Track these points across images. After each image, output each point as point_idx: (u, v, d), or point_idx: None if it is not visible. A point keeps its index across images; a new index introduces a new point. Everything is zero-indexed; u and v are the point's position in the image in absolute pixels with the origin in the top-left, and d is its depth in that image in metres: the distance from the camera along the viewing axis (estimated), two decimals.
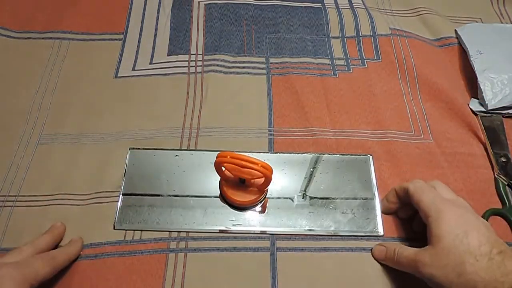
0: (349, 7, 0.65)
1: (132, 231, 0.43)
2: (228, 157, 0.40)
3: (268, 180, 0.41)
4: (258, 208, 0.45)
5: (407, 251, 0.38)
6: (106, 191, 0.45)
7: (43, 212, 0.43)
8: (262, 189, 0.44)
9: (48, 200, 0.44)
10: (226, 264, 0.41)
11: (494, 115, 0.53)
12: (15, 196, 0.44)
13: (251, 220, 0.44)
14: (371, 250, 0.42)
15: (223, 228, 0.43)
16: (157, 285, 0.39)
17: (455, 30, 0.63)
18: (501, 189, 0.47)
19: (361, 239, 0.43)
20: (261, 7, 0.65)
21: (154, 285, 0.39)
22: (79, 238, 0.41)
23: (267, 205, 0.45)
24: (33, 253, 0.37)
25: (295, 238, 0.43)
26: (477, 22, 0.65)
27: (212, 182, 0.46)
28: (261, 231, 0.43)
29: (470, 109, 0.54)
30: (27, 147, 0.48)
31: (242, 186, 0.44)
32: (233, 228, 0.43)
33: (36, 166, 0.47)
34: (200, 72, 0.56)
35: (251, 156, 0.40)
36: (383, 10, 0.66)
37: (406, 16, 0.66)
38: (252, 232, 0.43)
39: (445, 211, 0.36)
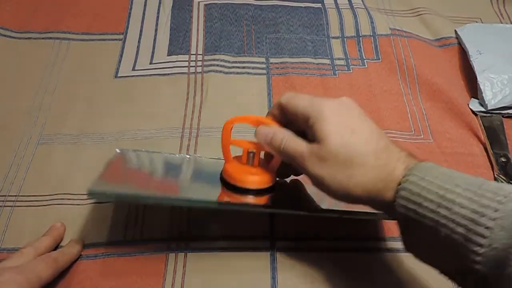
0: (349, 7, 0.65)
1: (132, 232, 0.43)
2: (239, 118, 0.37)
3: (277, 159, 0.37)
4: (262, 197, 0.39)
5: (296, 142, 0.34)
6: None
7: (43, 212, 0.43)
8: (273, 168, 0.38)
9: (48, 200, 0.44)
10: (226, 264, 0.41)
11: (494, 115, 0.53)
12: (15, 196, 0.44)
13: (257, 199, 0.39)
14: (255, 131, 0.37)
15: (225, 199, 0.39)
16: (157, 285, 0.39)
17: (455, 30, 0.63)
18: None
19: (361, 239, 0.43)
20: (261, 7, 0.65)
21: (154, 285, 0.39)
22: (80, 239, 0.41)
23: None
24: (35, 256, 0.37)
25: (296, 239, 0.43)
26: (477, 22, 0.65)
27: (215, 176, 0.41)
28: (266, 204, 0.39)
29: (470, 109, 0.54)
30: (27, 147, 0.48)
31: (250, 168, 0.38)
32: (231, 201, 0.39)
33: (36, 166, 0.47)
34: (200, 72, 0.56)
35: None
36: (383, 10, 0.66)
37: (406, 16, 0.66)
38: (255, 205, 0.39)
39: (326, 110, 0.33)
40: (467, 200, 0.27)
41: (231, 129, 0.38)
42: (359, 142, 0.32)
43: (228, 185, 0.38)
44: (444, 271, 0.30)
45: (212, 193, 0.41)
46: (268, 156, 0.39)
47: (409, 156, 0.32)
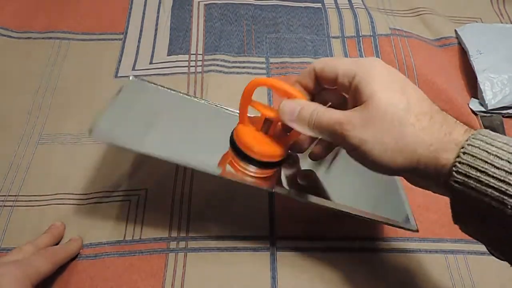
0: (349, 7, 0.65)
1: (132, 232, 0.43)
2: (267, 82, 0.34)
3: (294, 135, 0.35)
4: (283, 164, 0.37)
5: (331, 112, 0.30)
6: (106, 191, 0.45)
7: (43, 212, 0.43)
8: (287, 142, 0.36)
9: (48, 200, 0.44)
10: (226, 264, 0.41)
11: (494, 115, 0.53)
12: (15, 196, 0.44)
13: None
14: (279, 106, 0.33)
15: (231, 169, 0.36)
16: (157, 285, 0.39)
17: (455, 30, 0.62)
18: None
19: (362, 239, 0.43)
20: (261, 7, 0.65)
21: (154, 285, 0.39)
22: (79, 237, 0.41)
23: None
24: (34, 252, 0.37)
25: (297, 239, 0.43)
26: (477, 22, 0.65)
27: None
28: (271, 188, 0.36)
29: (470, 109, 0.54)
30: (27, 147, 0.48)
31: (263, 137, 0.35)
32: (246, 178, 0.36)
33: (36, 166, 0.47)
34: (200, 72, 0.56)
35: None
36: (383, 10, 0.66)
37: (406, 16, 0.66)
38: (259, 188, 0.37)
39: (373, 69, 0.29)
40: None
41: (254, 90, 0.35)
42: (411, 101, 0.28)
43: (236, 149, 0.35)
44: (499, 249, 0.27)
45: (216, 157, 0.38)
46: (286, 129, 0.36)
47: (466, 124, 0.28)
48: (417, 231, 0.39)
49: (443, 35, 0.62)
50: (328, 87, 0.33)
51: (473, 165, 0.25)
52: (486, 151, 0.25)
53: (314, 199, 0.36)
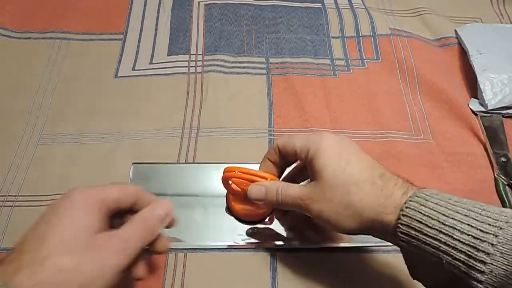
0: (349, 7, 0.65)
1: None
2: (236, 171, 0.39)
3: None
4: (267, 220, 0.43)
5: (292, 189, 0.35)
6: None
7: (43, 212, 0.43)
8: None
9: (48, 200, 0.44)
10: (226, 264, 0.41)
11: (494, 115, 0.53)
12: (15, 196, 0.44)
13: (260, 234, 0.43)
14: (247, 190, 0.38)
15: (231, 243, 0.42)
16: (157, 285, 0.39)
17: (455, 30, 0.63)
18: (501, 189, 0.47)
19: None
20: (261, 7, 0.65)
21: (154, 285, 0.39)
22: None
23: (274, 217, 0.44)
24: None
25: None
26: (477, 22, 0.65)
27: (217, 194, 0.44)
28: (269, 247, 0.42)
29: (470, 109, 0.54)
30: (27, 147, 0.48)
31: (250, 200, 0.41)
32: (241, 243, 0.42)
33: (36, 166, 0.47)
34: (200, 72, 0.56)
35: (256, 168, 0.39)
36: (383, 10, 0.66)
37: (406, 16, 0.66)
38: (260, 244, 0.42)
39: (322, 142, 0.34)
40: (468, 226, 0.27)
41: (229, 180, 0.41)
42: (354, 171, 0.33)
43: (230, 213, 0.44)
44: None
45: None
46: None
47: (406, 183, 0.33)
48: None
49: (443, 35, 0.62)
50: (291, 160, 0.38)
51: (411, 225, 0.29)
52: (420, 212, 0.29)
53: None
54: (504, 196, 0.46)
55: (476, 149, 0.51)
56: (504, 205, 0.46)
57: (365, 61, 0.59)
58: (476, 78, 0.55)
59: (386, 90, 0.56)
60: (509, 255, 0.25)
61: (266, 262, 0.41)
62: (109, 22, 0.61)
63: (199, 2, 0.64)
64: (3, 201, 0.44)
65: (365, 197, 0.32)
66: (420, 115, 0.54)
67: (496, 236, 0.25)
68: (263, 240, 0.42)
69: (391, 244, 0.40)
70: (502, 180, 0.48)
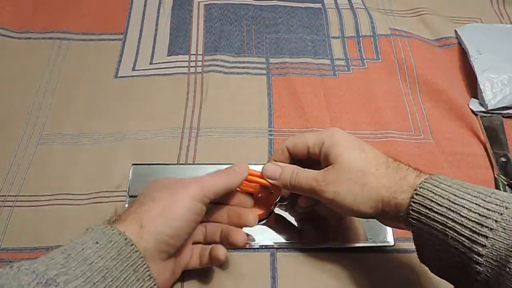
0: (349, 7, 0.65)
1: None
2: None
3: (276, 194, 0.41)
4: (267, 221, 0.43)
5: (307, 172, 0.37)
6: (106, 191, 0.45)
7: (43, 212, 0.43)
8: (270, 203, 0.42)
9: (48, 200, 0.44)
10: (226, 264, 0.41)
11: (494, 115, 0.53)
12: (15, 196, 0.44)
13: (259, 234, 0.42)
14: (262, 168, 0.39)
15: None
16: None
17: (455, 30, 0.63)
18: (501, 189, 0.47)
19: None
20: (261, 7, 0.65)
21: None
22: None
23: (274, 218, 0.44)
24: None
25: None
26: (477, 22, 0.65)
27: None
28: (266, 245, 0.42)
29: (470, 109, 0.54)
30: (27, 147, 0.48)
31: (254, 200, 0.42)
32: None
33: (36, 166, 0.47)
34: (200, 72, 0.56)
35: (256, 168, 0.39)
36: (383, 10, 0.66)
37: (406, 16, 0.66)
38: (259, 245, 0.42)
39: (336, 135, 0.37)
40: (476, 205, 0.28)
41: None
42: (370, 156, 0.35)
43: None
44: (455, 282, 0.31)
45: None
46: (267, 192, 0.41)
47: (417, 169, 0.35)
48: (394, 245, 0.42)
49: (443, 35, 0.62)
50: (300, 158, 0.39)
51: (423, 203, 0.30)
52: (433, 192, 0.30)
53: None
54: None
55: (476, 149, 0.51)
56: None
57: (365, 61, 0.59)
58: (476, 78, 0.55)
59: (386, 90, 0.56)
60: (511, 230, 0.26)
61: (266, 262, 0.41)
62: (109, 22, 0.61)
63: (199, 2, 0.64)
64: (3, 201, 0.44)
65: (380, 177, 0.34)
66: (420, 115, 0.54)
67: (501, 214, 0.27)
68: (263, 240, 0.42)
69: (391, 244, 0.42)
70: (502, 180, 0.48)
